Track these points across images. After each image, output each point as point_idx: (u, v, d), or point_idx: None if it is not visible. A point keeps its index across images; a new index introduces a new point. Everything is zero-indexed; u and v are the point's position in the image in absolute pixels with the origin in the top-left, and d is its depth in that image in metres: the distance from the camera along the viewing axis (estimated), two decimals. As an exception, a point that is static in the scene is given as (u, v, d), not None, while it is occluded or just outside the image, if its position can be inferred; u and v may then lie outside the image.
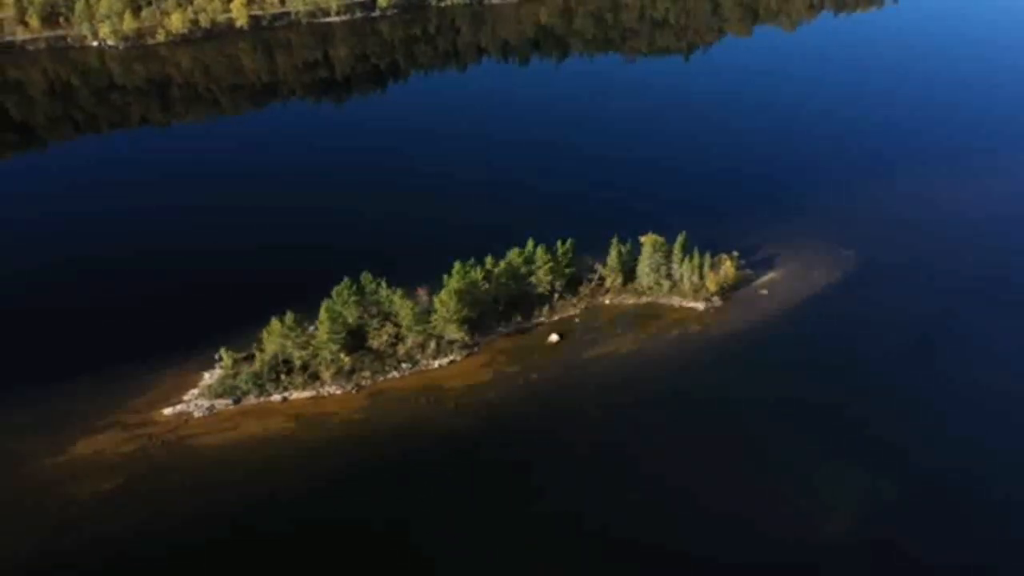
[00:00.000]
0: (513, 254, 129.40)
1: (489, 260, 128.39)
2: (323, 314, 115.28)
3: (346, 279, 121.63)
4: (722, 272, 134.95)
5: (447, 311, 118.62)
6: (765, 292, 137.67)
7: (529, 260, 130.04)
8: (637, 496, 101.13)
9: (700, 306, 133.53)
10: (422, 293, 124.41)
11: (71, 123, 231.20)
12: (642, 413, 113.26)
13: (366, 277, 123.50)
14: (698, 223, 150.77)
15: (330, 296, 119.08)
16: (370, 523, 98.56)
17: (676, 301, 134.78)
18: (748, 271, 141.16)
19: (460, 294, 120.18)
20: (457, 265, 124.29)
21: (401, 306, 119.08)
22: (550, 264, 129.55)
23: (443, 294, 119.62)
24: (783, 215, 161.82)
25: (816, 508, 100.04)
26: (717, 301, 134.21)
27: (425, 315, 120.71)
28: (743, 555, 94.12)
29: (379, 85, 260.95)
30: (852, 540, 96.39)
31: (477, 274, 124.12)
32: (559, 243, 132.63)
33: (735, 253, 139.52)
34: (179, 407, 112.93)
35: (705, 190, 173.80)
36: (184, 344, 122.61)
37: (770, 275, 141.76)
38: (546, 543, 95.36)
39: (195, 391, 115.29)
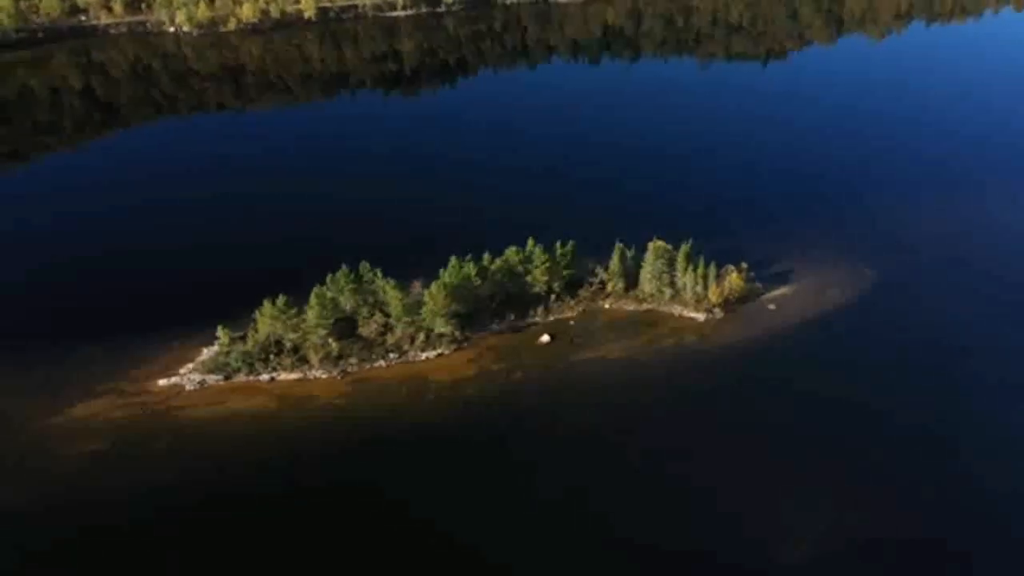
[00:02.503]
0: (511, 252, 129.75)
1: (486, 257, 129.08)
2: (313, 299, 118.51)
3: (344, 267, 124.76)
4: (726, 283, 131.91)
5: (435, 305, 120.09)
6: (773, 307, 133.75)
7: (527, 259, 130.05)
8: (584, 495, 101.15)
9: (701, 317, 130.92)
10: (417, 285, 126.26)
11: (152, 104, 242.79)
12: (616, 417, 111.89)
13: (364, 266, 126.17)
14: (717, 232, 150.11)
15: (323, 283, 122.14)
16: (335, 498, 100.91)
17: (677, 310, 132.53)
18: (758, 284, 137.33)
19: (450, 289, 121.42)
20: (452, 260, 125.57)
21: (391, 296, 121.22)
22: (547, 264, 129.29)
23: (432, 287, 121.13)
24: (808, 228, 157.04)
25: (784, 531, 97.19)
26: (719, 313, 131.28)
27: (415, 307, 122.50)
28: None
29: (447, 80, 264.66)
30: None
31: (471, 270, 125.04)
32: (558, 244, 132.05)
33: (744, 265, 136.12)
34: (174, 379, 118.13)
35: (733, 199, 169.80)
36: (192, 321, 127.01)
37: (782, 290, 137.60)
38: (494, 523, 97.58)
39: (191, 365, 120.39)
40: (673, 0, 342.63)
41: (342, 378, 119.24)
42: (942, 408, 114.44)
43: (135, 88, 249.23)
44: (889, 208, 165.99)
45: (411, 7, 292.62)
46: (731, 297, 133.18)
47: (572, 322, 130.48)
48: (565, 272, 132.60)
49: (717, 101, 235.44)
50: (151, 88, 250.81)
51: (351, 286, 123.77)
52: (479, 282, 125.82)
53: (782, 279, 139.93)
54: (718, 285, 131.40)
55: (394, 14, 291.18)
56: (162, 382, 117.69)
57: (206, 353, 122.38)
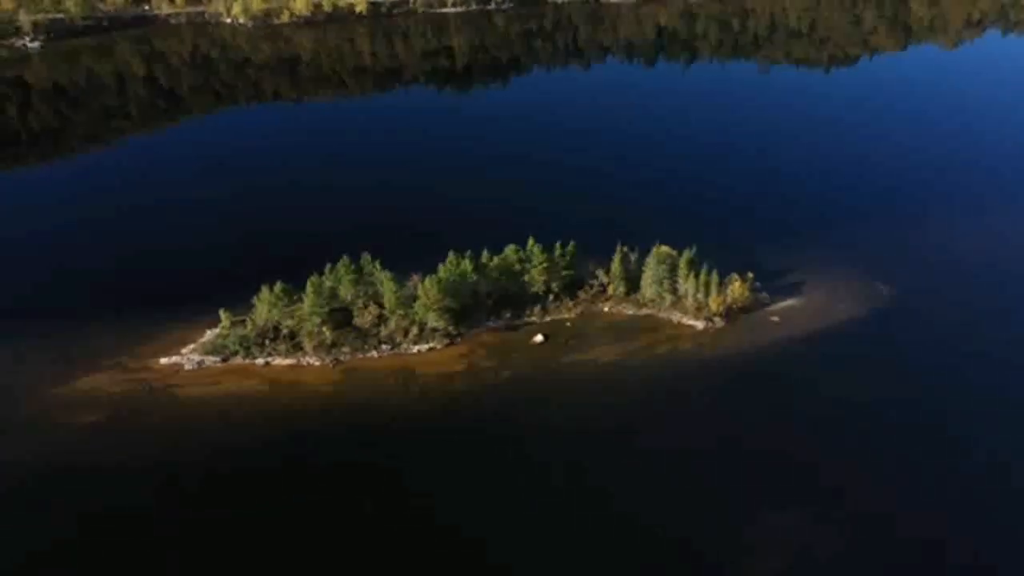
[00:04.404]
0: (510, 251, 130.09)
1: (485, 254, 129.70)
2: (308, 287, 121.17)
3: (345, 257, 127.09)
4: (728, 292, 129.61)
5: (427, 299, 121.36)
6: (776, 319, 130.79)
7: (526, 259, 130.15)
8: (566, 492, 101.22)
9: (699, 325, 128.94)
10: (415, 278, 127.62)
11: (211, 93, 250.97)
12: (594, 422, 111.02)
13: (365, 257, 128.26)
14: (733, 238, 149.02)
15: (321, 272, 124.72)
16: (318, 480, 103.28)
17: (676, 317, 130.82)
18: (764, 295, 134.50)
19: (444, 284, 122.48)
20: (450, 256, 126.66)
21: (387, 288, 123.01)
22: (545, 264, 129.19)
23: (427, 282, 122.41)
24: (828, 239, 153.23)
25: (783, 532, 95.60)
26: (719, 321, 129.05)
27: (409, 300, 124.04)
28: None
29: (500, 77, 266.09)
30: None
31: (467, 266, 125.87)
32: (558, 245, 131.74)
33: (750, 274, 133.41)
34: (174, 358, 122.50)
35: (751, 206, 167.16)
36: (201, 303, 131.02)
37: (789, 301, 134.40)
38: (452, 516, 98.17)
39: (192, 346, 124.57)
40: (727, 3, 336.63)
41: (334, 366, 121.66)
42: (943, 421, 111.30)
43: (195, 76, 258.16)
44: (917, 222, 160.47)
45: (460, 4, 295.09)
46: (734, 306, 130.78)
47: (569, 323, 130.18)
48: (564, 273, 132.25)
49: (775, 106, 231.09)
50: (210, 77, 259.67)
51: (351, 276, 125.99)
52: (475, 279, 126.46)
53: (791, 291, 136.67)
54: (720, 293, 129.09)
55: (444, 10, 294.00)
56: (164, 360, 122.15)
57: (208, 335, 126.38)
